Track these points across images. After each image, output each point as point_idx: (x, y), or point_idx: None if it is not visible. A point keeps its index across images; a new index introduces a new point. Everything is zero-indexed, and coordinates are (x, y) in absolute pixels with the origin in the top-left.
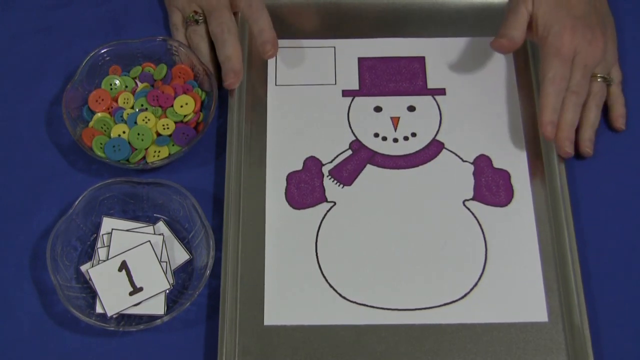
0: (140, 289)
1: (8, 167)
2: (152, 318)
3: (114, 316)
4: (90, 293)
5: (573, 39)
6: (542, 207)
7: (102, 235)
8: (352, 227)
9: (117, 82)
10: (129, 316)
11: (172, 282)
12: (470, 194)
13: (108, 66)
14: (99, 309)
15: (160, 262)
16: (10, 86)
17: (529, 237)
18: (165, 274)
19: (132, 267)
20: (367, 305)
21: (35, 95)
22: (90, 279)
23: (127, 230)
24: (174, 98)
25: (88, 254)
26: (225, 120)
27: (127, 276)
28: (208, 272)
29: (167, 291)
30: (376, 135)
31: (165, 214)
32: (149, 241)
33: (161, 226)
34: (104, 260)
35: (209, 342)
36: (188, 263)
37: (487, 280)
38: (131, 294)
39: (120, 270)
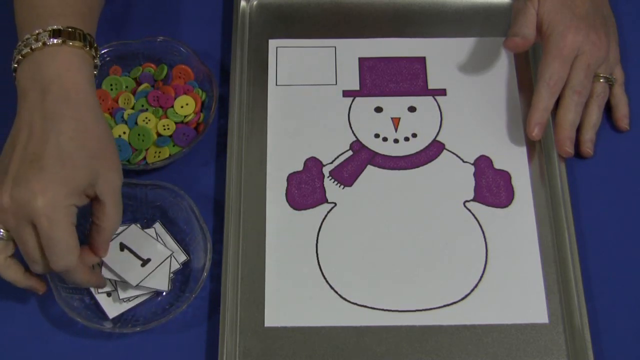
0: (149, 260)
1: None
2: (147, 320)
3: (129, 299)
4: (87, 294)
5: (576, 39)
6: (542, 207)
7: None
8: (352, 228)
9: (118, 82)
10: (125, 318)
11: (173, 251)
12: (471, 195)
13: (108, 67)
14: (121, 293)
15: (151, 236)
16: (11, 87)
17: (530, 238)
18: (164, 245)
19: (131, 245)
20: (367, 307)
21: None
22: (104, 264)
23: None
24: (175, 98)
25: None
26: (225, 121)
27: (131, 252)
28: (205, 274)
29: (170, 262)
30: (377, 135)
31: (164, 215)
32: (134, 223)
33: (158, 227)
34: None
35: (209, 343)
36: (185, 265)
37: (488, 281)
38: (143, 265)
39: (122, 250)
